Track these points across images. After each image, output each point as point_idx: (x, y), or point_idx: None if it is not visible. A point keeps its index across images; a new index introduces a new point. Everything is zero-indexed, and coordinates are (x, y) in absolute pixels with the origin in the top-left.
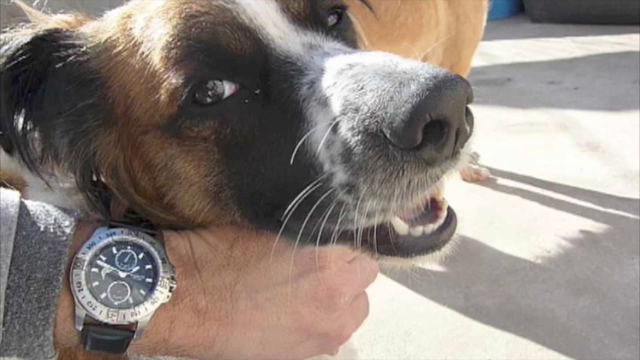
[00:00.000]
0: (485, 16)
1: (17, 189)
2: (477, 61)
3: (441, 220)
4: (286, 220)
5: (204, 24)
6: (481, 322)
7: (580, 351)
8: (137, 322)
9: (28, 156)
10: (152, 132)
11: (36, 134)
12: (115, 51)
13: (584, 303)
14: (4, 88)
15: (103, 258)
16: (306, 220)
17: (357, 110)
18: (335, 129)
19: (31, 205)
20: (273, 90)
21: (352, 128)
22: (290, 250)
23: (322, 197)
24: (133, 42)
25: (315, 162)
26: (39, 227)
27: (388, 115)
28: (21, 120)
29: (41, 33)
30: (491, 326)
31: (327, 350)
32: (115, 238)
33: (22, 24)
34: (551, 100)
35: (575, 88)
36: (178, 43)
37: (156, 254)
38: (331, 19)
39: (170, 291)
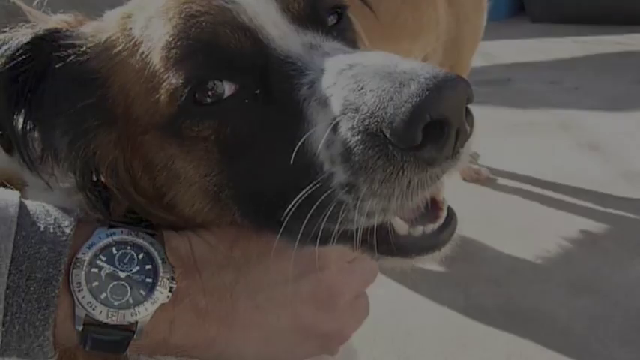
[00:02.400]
0: (485, 16)
1: (17, 189)
2: (477, 61)
3: (441, 220)
4: (286, 220)
5: (204, 24)
6: (481, 322)
7: (580, 351)
8: (137, 322)
9: (28, 156)
10: (152, 132)
11: (36, 134)
12: (115, 51)
13: (584, 303)
14: (4, 88)
15: (103, 258)
16: (306, 220)
17: (357, 110)
18: (335, 129)
19: (31, 205)
20: (273, 90)
21: (352, 128)
22: (290, 250)
23: (322, 197)
24: (133, 42)
25: (315, 162)
26: (39, 227)
27: (388, 115)
28: (21, 120)
29: (41, 33)
30: (491, 326)
31: (328, 350)
32: (115, 238)
33: (22, 24)
34: (551, 100)
35: (575, 88)
36: (178, 43)
37: (156, 254)
38: (331, 19)
39: (170, 291)
